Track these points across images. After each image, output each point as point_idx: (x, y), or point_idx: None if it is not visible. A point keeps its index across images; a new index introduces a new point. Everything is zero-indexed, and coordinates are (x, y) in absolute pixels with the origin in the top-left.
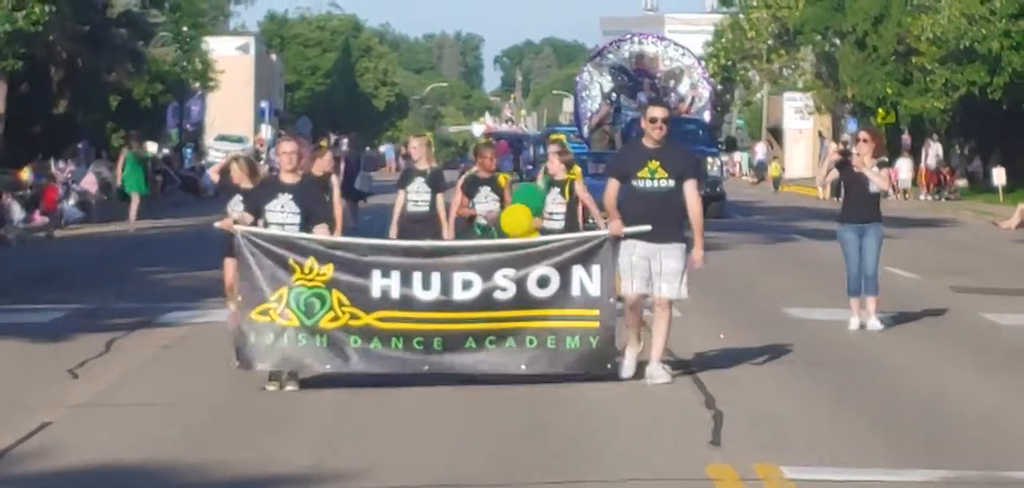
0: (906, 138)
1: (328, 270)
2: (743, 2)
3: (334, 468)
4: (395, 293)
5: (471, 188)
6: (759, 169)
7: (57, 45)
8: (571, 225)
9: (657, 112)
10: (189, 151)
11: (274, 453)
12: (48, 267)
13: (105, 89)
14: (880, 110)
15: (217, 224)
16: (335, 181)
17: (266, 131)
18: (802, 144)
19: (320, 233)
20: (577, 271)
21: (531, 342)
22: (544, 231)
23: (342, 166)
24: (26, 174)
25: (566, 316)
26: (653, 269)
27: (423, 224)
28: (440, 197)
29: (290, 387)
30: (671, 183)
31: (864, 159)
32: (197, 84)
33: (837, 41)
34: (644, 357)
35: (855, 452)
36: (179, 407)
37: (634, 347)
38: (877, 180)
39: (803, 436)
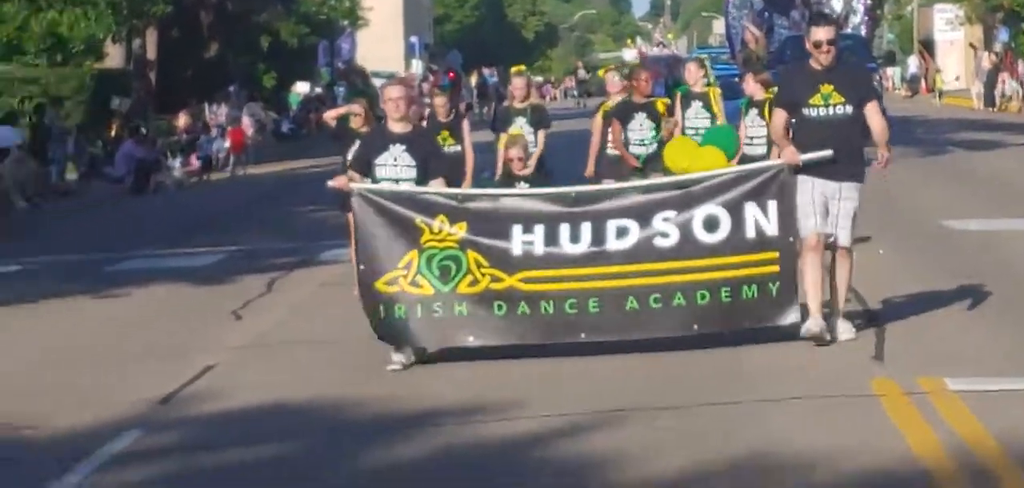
0: None
1: (461, 228)
2: None
3: (491, 400)
4: (539, 249)
5: (624, 115)
6: (912, 82)
7: None
8: (771, 154)
9: (822, 33)
10: (341, 89)
11: (429, 389)
12: (206, 211)
13: (255, 31)
14: None
15: (330, 183)
16: (466, 125)
17: (417, 66)
18: (953, 56)
19: (437, 188)
20: (750, 209)
21: (702, 297)
22: (745, 159)
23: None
24: (182, 120)
25: (740, 263)
26: (831, 211)
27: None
28: (542, 134)
29: (391, 366)
30: (849, 109)
31: None
32: (346, 22)
33: None
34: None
35: (1018, 362)
36: (339, 345)
37: (816, 314)
38: None
39: (965, 348)
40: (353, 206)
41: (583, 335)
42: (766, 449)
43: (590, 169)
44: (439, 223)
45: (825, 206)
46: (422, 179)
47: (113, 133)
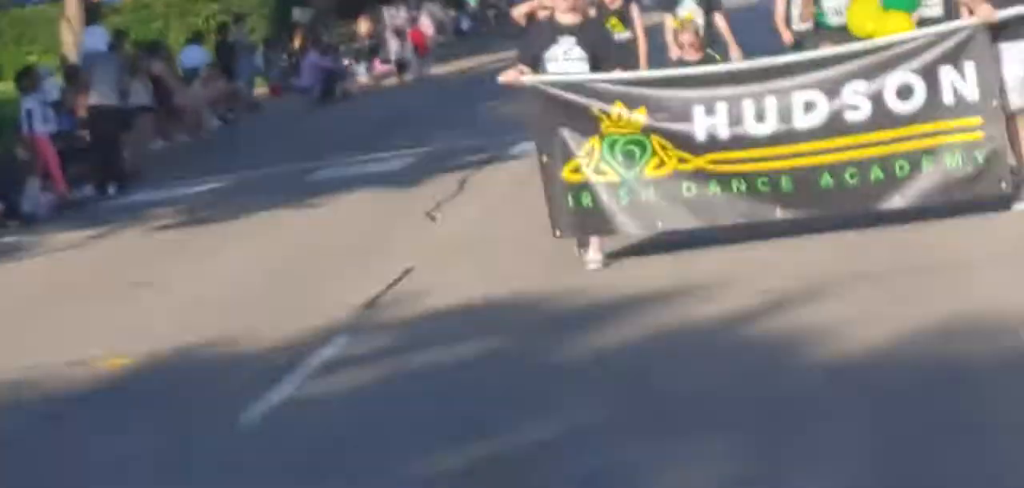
0: None
1: (641, 112)
2: None
3: (690, 283)
4: (724, 132)
5: None
6: None
7: None
8: (948, 15)
9: None
10: None
11: (627, 278)
12: (394, 115)
13: None
14: None
15: (501, 78)
16: (635, 10)
17: None
18: None
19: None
20: (946, 73)
21: (902, 169)
22: (921, 23)
23: None
24: (363, 26)
25: (941, 130)
26: None
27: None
28: (718, 16)
29: (592, 266)
30: None
31: None
32: None
33: None
34: None
35: None
36: (533, 241)
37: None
38: None
39: None
40: (529, 97)
41: (779, 211)
42: (968, 311)
43: (786, 36)
44: (618, 109)
45: None
46: (594, 70)
47: (297, 45)
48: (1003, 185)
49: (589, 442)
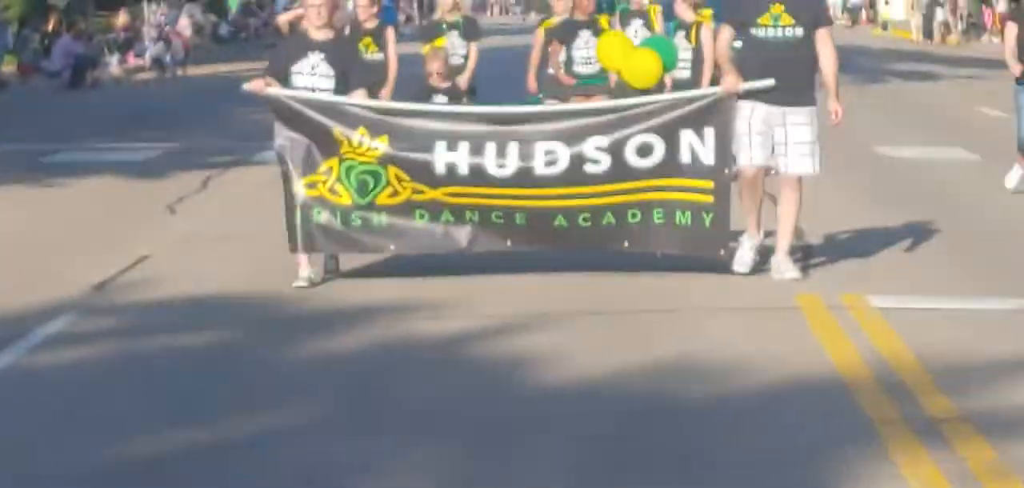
0: None
1: (382, 142)
2: None
3: (421, 300)
4: (464, 168)
5: (566, 34)
6: (853, 12)
7: None
8: (696, 78)
9: None
10: None
11: (360, 290)
12: (143, 109)
13: None
14: None
15: (246, 86)
16: (391, 33)
17: None
18: None
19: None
20: (686, 136)
21: (634, 216)
22: (673, 83)
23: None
24: (121, 18)
25: (675, 187)
26: (777, 138)
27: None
28: (473, 47)
29: (297, 283)
30: (799, 31)
31: None
32: None
33: None
34: (768, 244)
35: (938, 281)
36: (271, 242)
37: (753, 235)
38: None
39: (889, 267)
40: (273, 110)
41: (509, 242)
42: (688, 354)
43: (531, 84)
44: (359, 135)
45: (769, 135)
46: (341, 90)
47: (51, 27)
48: (722, 252)
49: (303, 440)
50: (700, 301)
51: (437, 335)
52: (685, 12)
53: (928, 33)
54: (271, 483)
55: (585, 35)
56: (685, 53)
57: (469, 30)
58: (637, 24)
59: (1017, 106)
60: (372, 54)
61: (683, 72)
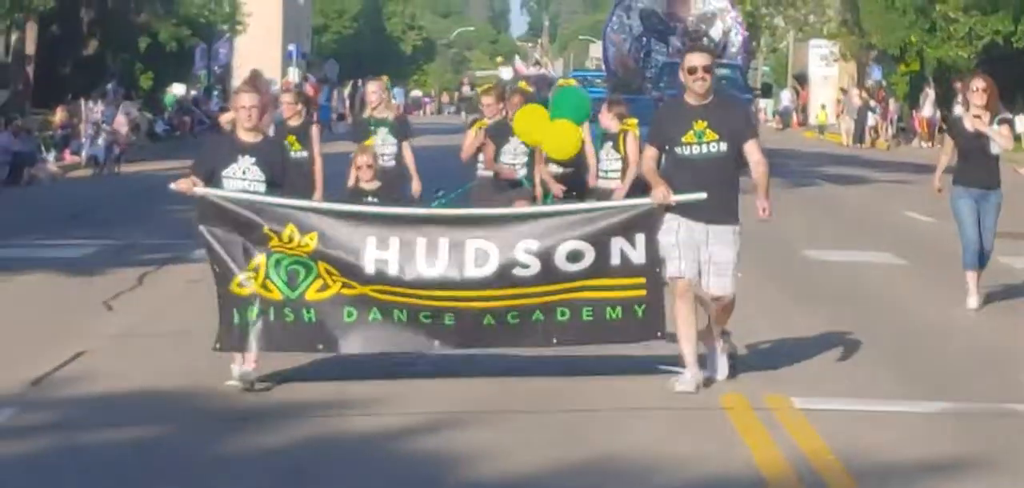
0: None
1: (311, 240)
2: None
3: (353, 396)
4: (393, 268)
5: (499, 137)
6: (784, 115)
7: None
8: (628, 187)
9: (697, 59)
10: (217, 93)
11: (294, 387)
12: (79, 205)
13: (134, 31)
14: (907, 58)
15: (173, 186)
16: (315, 132)
17: (294, 74)
18: (827, 91)
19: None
20: (617, 242)
21: (562, 314)
22: (598, 192)
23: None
24: (59, 115)
25: (604, 286)
26: (701, 257)
27: (390, 179)
28: (406, 145)
29: (260, 386)
30: (723, 147)
31: (981, 115)
32: (225, 27)
33: None
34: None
35: (863, 384)
36: (206, 338)
37: (692, 366)
38: (999, 139)
39: (813, 369)
40: (197, 210)
41: (437, 344)
42: (615, 453)
43: (464, 159)
44: (289, 232)
45: (695, 249)
46: (272, 192)
47: None
48: (659, 333)
49: None
50: (628, 401)
51: (369, 430)
52: (610, 122)
53: (859, 137)
54: None
55: (515, 141)
56: (614, 163)
57: (400, 129)
58: (608, 146)
59: (959, 219)
60: (296, 152)
61: (613, 181)
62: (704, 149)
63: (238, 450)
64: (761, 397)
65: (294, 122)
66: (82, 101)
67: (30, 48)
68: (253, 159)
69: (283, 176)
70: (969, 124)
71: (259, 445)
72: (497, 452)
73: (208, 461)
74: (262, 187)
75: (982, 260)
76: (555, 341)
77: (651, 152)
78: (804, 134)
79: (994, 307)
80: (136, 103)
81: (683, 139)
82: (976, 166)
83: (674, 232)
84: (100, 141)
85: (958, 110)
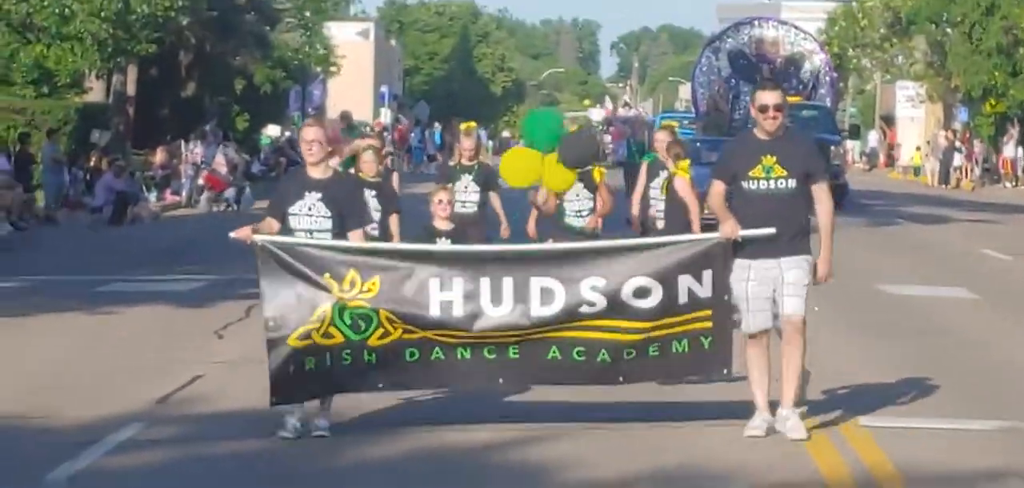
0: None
1: (373, 286)
2: None
3: (447, 411)
4: (458, 310)
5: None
6: (871, 156)
7: (187, 29)
8: (671, 225)
9: (768, 97)
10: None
11: (398, 400)
12: (183, 242)
13: (231, 73)
14: (990, 99)
15: (232, 234)
16: (395, 179)
17: (386, 115)
18: (914, 132)
19: (355, 241)
20: (684, 280)
21: (629, 354)
22: (647, 227)
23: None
24: (159, 156)
25: (671, 323)
26: (776, 289)
27: (475, 226)
28: (493, 195)
29: (318, 433)
30: (792, 183)
31: None
32: (319, 69)
33: (949, 30)
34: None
35: (923, 405)
36: None
37: (763, 410)
38: None
39: (878, 392)
40: (260, 258)
41: (502, 380)
42: (690, 463)
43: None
44: (350, 280)
45: (767, 294)
46: (338, 230)
47: (92, 164)
48: (725, 370)
49: None
50: (703, 413)
51: (466, 443)
52: (666, 160)
53: (945, 178)
54: None
55: (578, 187)
56: (658, 203)
57: (485, 177)
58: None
59: None
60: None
61: (658, 214)
62: (772, 184)
63: (342, 460)
64: (828, 414)
65: (372, 177)
66: (182, 142)
67: (131, 90)
68: (319, 195)
69: (353, 213)
70: None
71: (360, 456)
72: (572, 464)
73: (316, 472)
74: (328, 224)
75: None
76: (621, 379)
77: (718, 187)
78: (890, 175)
79: None
80: (233, 145)
81: (751, 173)
82: None
83: (745, 281)
84: (200, 181)
85: None
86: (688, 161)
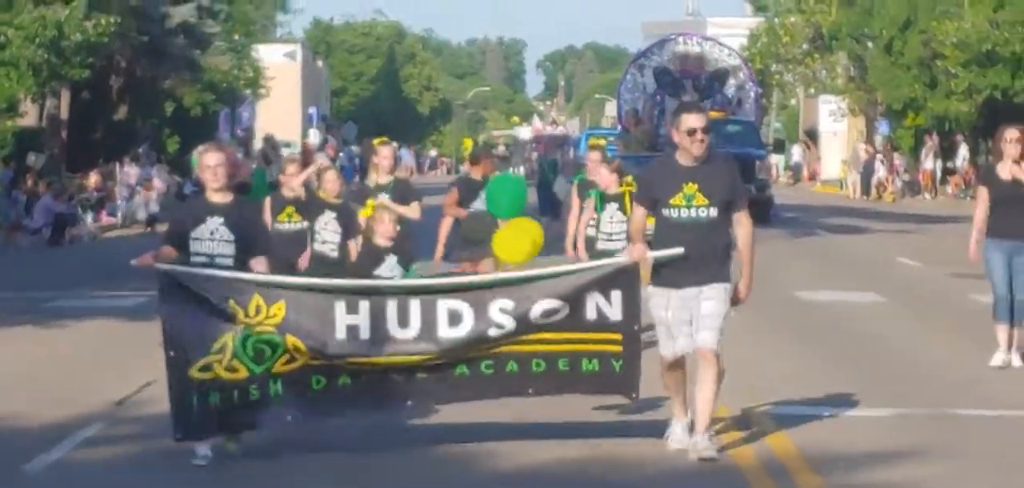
0: (935, 138)
1: (279, 310)
2: (777, 6)
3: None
4: (365, 332)
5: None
6: (795, 170)
7: (118, 54)
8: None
9: (695, 120)
10: (240, 155)
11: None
12: (122, 260)
13: (161, 97)
14: (910, 112)
15: (134, 262)
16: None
17: (314, 136)
18: (836, 146)
19: (259, 268)
20: (592, 298)
21: (538, 366)
22: (602, 255)
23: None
24: (94, 178)
25: (580, 339)
26: (694, 314)
27: (407, 240)
28: (416, 205)
29: (231, 446)
30: (713, 212)
31: (1021, 163)
32: (248, 91)
33: (869, 45)
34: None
35: (825, 395)
36: None
37: (681, 417)
38: None
39: (785, 384)
40: (161, 286)
41: (410, 403)
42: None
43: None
44: (255, 305)
45: (688, 317)
46: (241, 255)
47: (29, 186)
48: (633, 396)
49: None
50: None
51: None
52: (610, 182)
53: (866, 190)
54: None
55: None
56: (620, 225)
57: (403, 192)
58: (613, 208)
59: (989, 271)
60: (294, 223)
61: (617, 243)
62: (693, 212)
63: (288, 447)
64: (738, 406)
65: (291, 195)
66: (116, 164)
67: (64, 114)
68: (221, 219)
69: (255, 239)
70: (1006, 173)
71: (312, 441)
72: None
73: (269, 455)
74: (231, 248)
75: (1015, 313)
76: (531, 391)
77: (639, 211)
78: (814, 188)
79: (954, 334)
80: (165, 166)
81: (671, 201)
82: (1012, 216)
83: (664, 308)
84: (136, 201)
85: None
86: (632, 175)
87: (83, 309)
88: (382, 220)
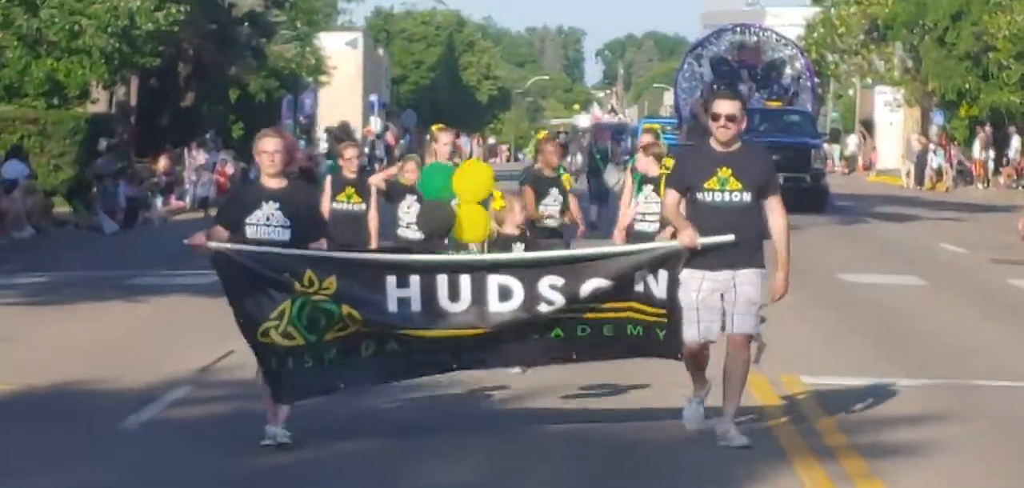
0: (987, 130)
1: (331, 284)
2: None
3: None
4: (416, 305)
5: (537, 186)
6: (851, 160)
7: (185, 42)
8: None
9: (722, 106)
10: (303, 142)
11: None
12: None
13: (227, 84)
14: (964, 103)
15: (187, 241)
16: (374, 181)
17: (375, 123)
18: (892, 136)
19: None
20: (640, 275)
21: (583, 331)
22: (638, 236)
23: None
24: (162, 163)
25: (625, 308)
26: (727, 300)
27: None
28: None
29: (283, 439)
30: (746, 197)
31: None
32: (310, 79)
33: (925, 37)
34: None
35: (859, 368)
36: None
37: (698, 392)
38: None
39: (821, 358)
40: (216, 265)
41: (455, 366)
42: (659, 416)
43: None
44: (308, 279)
45: (718, 303)
46: (297, 241)
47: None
48: (678, 356)
49: (372, 458)
50: (668, 376)
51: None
52: (649, 166)
53: (920, 180)
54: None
55: (554, 192)
56: (654, 206)
57: None
58: (648, 190)
59: None
60: (354, 204)
61: (651, 224)
62: (727, 197)
63: (355, 407)
64: (777, 375)
65: (351, 175)
66: (185, 150)
67: (133, 101)
68: (277, 205)
69: (311, 223)
70: None
71: (373, 406)
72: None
73: (335, 412)
74: (287, 234)
75: None
76: (575, 356)
77: (672, 195)
78: (868, 178)
79: (988, 315)
80: (231, 151)
81: (705, 185)
82: None
83: (695, 290)
84: (206, 185)
85: None
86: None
87: (163, 286)
88: (513, 210)
